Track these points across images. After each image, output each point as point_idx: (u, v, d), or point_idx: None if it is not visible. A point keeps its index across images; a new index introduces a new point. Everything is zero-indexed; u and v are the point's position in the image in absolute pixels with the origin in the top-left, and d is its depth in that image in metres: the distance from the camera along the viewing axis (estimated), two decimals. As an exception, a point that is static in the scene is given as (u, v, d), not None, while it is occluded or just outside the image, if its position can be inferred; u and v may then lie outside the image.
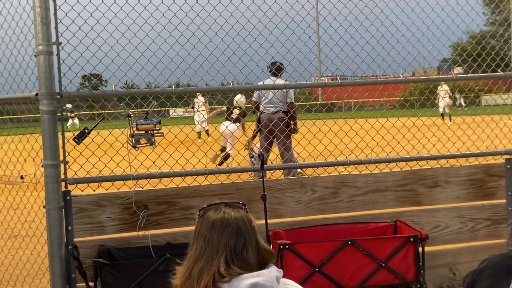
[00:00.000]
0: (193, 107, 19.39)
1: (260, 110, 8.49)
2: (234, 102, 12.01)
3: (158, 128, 4.37)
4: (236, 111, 11.68)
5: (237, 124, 10.90)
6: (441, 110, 22.74)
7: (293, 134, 8.41)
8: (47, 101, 3.91)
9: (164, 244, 4.23)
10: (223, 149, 11.20)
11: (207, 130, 19.42)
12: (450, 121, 18.67)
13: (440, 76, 5.34)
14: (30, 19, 4.03)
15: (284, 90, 7.66)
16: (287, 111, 8.26)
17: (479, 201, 4.81)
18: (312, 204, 4.59)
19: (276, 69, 7.49)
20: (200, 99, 18.17)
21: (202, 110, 18.91)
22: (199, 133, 19.42)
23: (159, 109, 5.27)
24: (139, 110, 4.82)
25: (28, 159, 4.40)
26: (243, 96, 11.54)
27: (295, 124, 8.90)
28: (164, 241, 4.27)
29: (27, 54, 4.17)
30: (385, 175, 4.71)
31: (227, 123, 9.45)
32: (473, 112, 5.54)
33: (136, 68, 4.42)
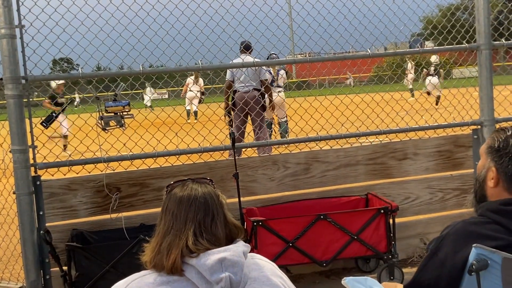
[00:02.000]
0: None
1: (234, 89, 8.45)
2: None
3: (127, 110, 4.33)
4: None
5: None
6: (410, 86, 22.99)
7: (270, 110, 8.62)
8: (12, 85, 3.85)
9: (138, 226, 4.23)
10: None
11: (196, 112, 18.94)
12: (413, 96, 18.93)
13: (406, 50, 5.38)
14: (-9, 2, 3.94)
15: (254, 68, 7.64)
16: (259, 89, 8.24)
17: (448, 171, 4.91)
18: (284, 180, 4.63)
19: (245, 47, 7.48)
20: (191, 78, 17.81)
21: (190, 90, 18.59)
22: (188, 111, 19.01)
23: (128, 92, 5.22)
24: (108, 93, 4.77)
25: (-5, 145, 4.34)
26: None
27: (270, 101, 8.92)
28: (138, 222, 4.26)
29: (-10, 38, 4.07)
30: (355, 150, 4.77)
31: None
32: (440, 85, 5.61)
33: (103, 50, 4.36)
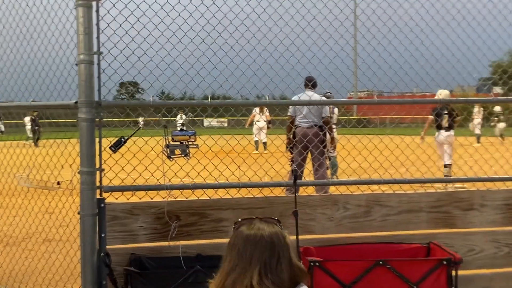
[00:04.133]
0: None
1: (295, 124, 8.46)
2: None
3: (193, 140, 4.40)
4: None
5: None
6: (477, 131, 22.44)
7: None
8: (86, 109, 3.98)
9: (195, 256, 4.24)
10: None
11: (265, 143, 19.15)
12: (478, 142, 18.38)
13: (479, 98, 5.24)
14: (73, 29, 4.12)
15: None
16: (322, 126, 8.22)
17: (516, 226, 4.70)
18: (343, 221, 4.55)
19: (312, 85, 7.51)
20: (256, 109, 18.04)
21: (257, 121, 18.86)
22: (256, 142, 19.24)
23: (192, 118, 5.31)
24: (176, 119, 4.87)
25: (65, 165, 4.48)
26: None
27: (332, 138, 8.91)
28: (195, 252, 4.27)
29: (69, 62, 4.26)
30: (419, 196, 4.64)
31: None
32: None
33: (173, 80, 4.47)
